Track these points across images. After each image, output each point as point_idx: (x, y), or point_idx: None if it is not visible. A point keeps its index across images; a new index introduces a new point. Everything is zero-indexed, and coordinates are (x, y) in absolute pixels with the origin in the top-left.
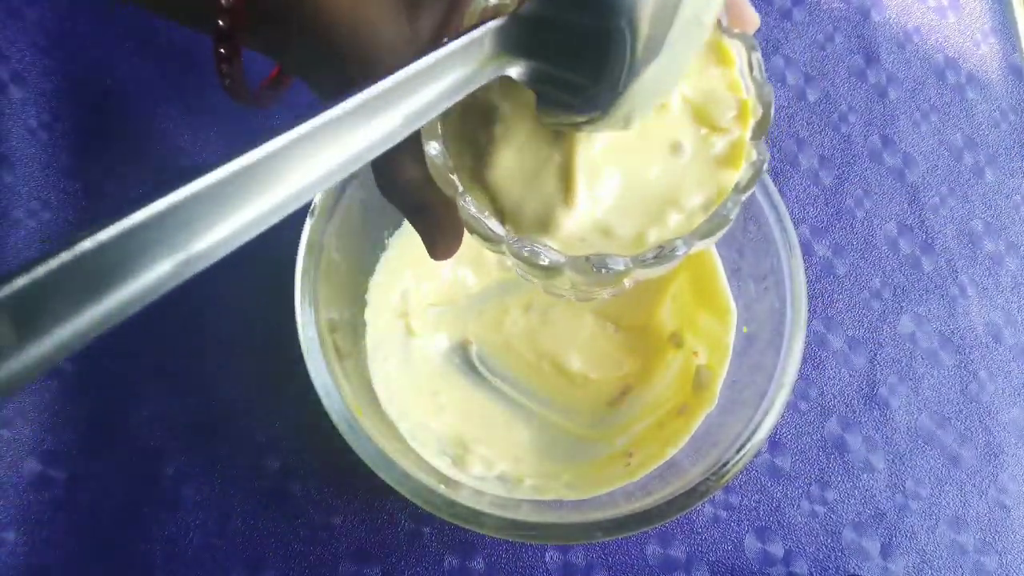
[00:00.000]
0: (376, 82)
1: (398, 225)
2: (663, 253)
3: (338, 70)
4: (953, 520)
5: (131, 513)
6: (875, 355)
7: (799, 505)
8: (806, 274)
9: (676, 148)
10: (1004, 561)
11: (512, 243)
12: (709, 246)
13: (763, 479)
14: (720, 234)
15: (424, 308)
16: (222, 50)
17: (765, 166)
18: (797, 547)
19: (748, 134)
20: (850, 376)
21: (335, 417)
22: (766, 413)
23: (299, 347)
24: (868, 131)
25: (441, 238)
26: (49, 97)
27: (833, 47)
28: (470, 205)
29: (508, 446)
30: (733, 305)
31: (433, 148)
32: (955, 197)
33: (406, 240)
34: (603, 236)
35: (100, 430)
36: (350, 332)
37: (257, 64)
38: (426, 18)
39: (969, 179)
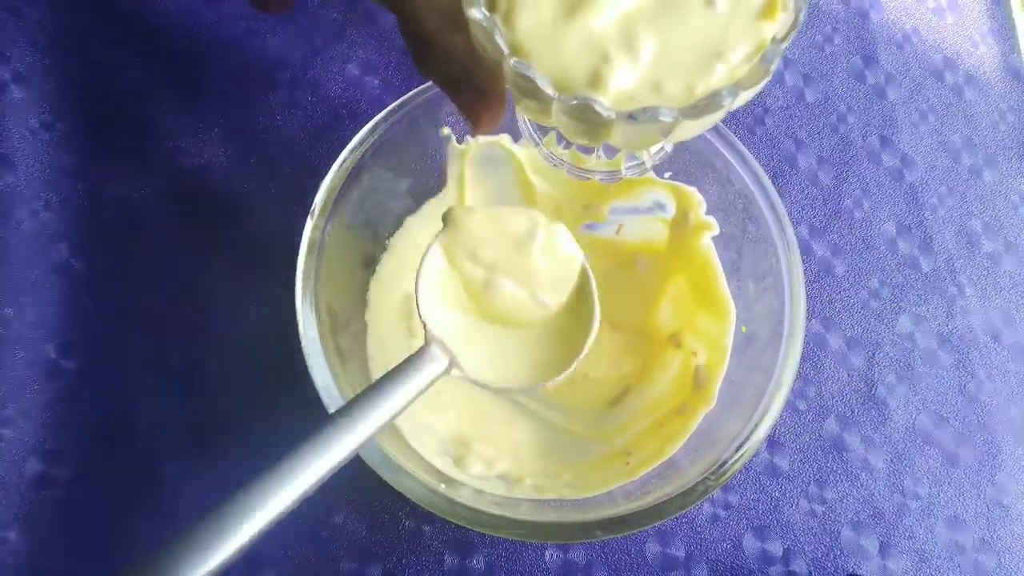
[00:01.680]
0: None
1: (399, 226)
2: (710, 103)
3: None
4: (951, 519)
5: (132, 513)
6: (873, 355)
7: (798, 504)
8: (805, 274)
9: (710, 1)
10: (1002, 560)
11: (563, 100)
12: (750, 97)
13: (762, 478)
14: (762, 84)
15: None
16: None
17: (802, 15)
18: (796, 546)
19: None
20: (848, 376)
21: None
22: (765, 412)
23: (300, 347)
24: (867, 131)
25: (486, 108)
26: (50, 97)
27: (832, 48)
28: (519, 66)
29: (509, 445)
30: (732, 305)
31: (477, 12)
32: (953, 197)
33: (407, 241)
34: (653, 91)
35: (101, 430)
36: (351, 332)
37: None
38: None
39: (967, 179)
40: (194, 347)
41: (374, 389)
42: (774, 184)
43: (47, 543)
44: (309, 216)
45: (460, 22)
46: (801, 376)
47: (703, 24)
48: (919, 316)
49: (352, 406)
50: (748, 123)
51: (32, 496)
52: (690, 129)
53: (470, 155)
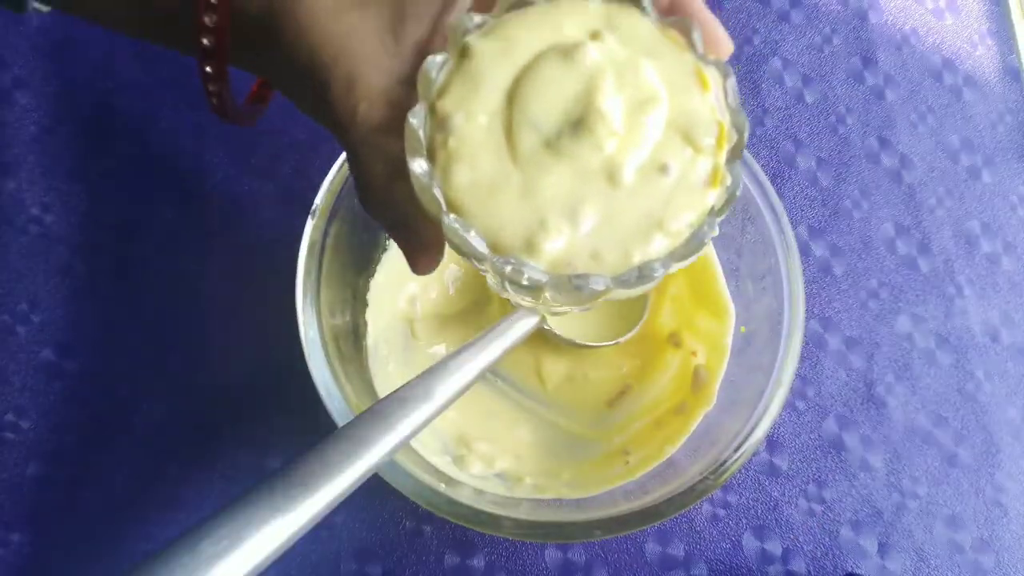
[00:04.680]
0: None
1: None
2: (642, 274)
3: (323, 88)
4: (950, 519)
5: (133, 513)
6: (872, 355)
7: (797, 504)
8: (804, 274)
9: (664, 169)
10: (1001, 560)
11: (496, 262)
12: (684, 266)
13: (761, 478)
14: (695, 256)
15: (431, 316)
16: (208, 69)
17: (738, 191)
18: (795, 545)
19: (723, 158)
20: (847, 376)
21: (336, 417)
22: (764, 412)
23: (300, 347)
24: (866, 132)
25: (424, 254)
26: (51, 101)
27: (831, 49)
28: (455, 223)
29: (509, 444)
30: (731, 305)
31: (419, 165)
32: (952, 198)
33: None
34: (591, 259)
35: (102, 431)
36: (351, 332)
37: (241, 83)
38: (411, 33)
39: (966, 180)
40: (194, 347)
41: (478, 339)
42: (773, 185)
43: (50, 544)
44: (310, 216)
45: (405, 170)
46: (800, 376)
47: (651, 192)
48: (918, 316)
49: (463, 349)
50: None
51: (35, 498)
52: (621, 295)
53: None
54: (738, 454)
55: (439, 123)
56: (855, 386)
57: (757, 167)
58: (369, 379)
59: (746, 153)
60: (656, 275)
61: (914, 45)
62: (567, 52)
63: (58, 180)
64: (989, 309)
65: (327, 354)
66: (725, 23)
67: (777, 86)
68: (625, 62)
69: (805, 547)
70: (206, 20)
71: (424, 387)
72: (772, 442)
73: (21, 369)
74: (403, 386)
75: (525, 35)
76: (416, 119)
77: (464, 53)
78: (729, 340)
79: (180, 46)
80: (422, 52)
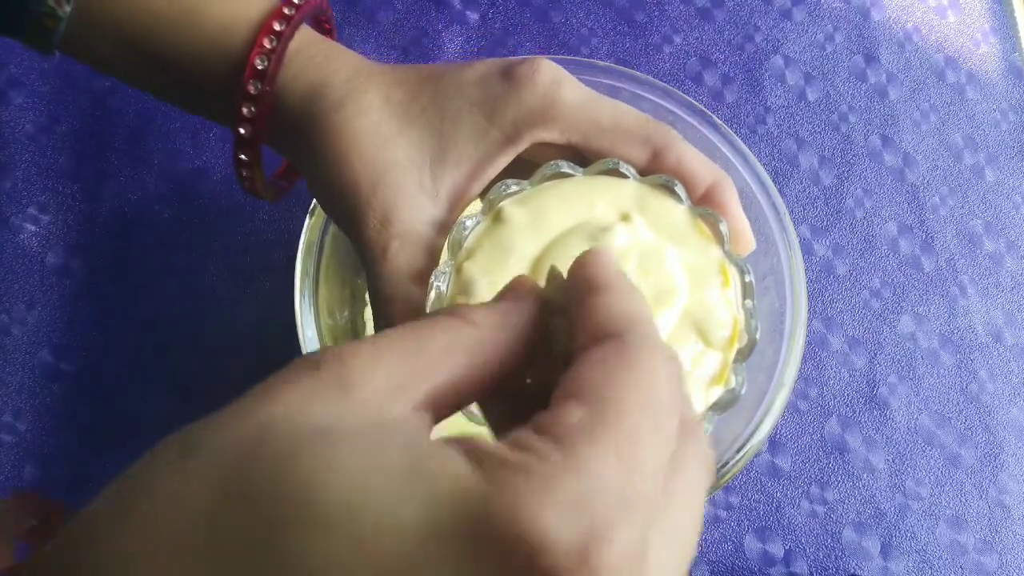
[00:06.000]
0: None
1: None
2: None
3: (359, 216)
4: (953, 520)
5: None
6: (875, 355)
7: (799, 505)
8: (806, 274)
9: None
10: (1004, 561)
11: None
12: None
13: (763, 479)
14: None
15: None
16: (243, 156)
17: (741, 394)
18: (797, 547)
19: (732, 356)
20: (850, 376)
21: None
22: (766, 413)
23: (299, 347)
24: (868, 131)
25: None
26: (48, 100)
27: (833, 47)
28: None
29: None
30: None
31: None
32: (955, 197)
33: None
34: None
35: (99, 433)
36: (349, 332)
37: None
38: (450, 175)
39: (969, 179)
40: (193, 348)
41: None
42: (775, 183)
43: None
44: (308, 215)
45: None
46: (802, 376)
47: None
48: (921, 316)
49: None
50: (749, 122)
51: None
52: None
53: None
54: (740, 455)
55: (463, 285)
56: (858, 386)
57: (759, 166)
58: None
59: (748, 151)
60: None
61: (916, 43)
62: (595, 235)
63: (55, 180)
64: (992, 309)
65: None
66: (726, 20)
67: (779, 84)
68: (651, 248)
69: (807, 549)
70: (244, 111)
71: None
72: (774, 443)
73: (18, 371)
74: None
75: (558, 209)
76: (441, 281)
77: (497, 217)
78: None
79: (217, 121)
80: (457, 198)
